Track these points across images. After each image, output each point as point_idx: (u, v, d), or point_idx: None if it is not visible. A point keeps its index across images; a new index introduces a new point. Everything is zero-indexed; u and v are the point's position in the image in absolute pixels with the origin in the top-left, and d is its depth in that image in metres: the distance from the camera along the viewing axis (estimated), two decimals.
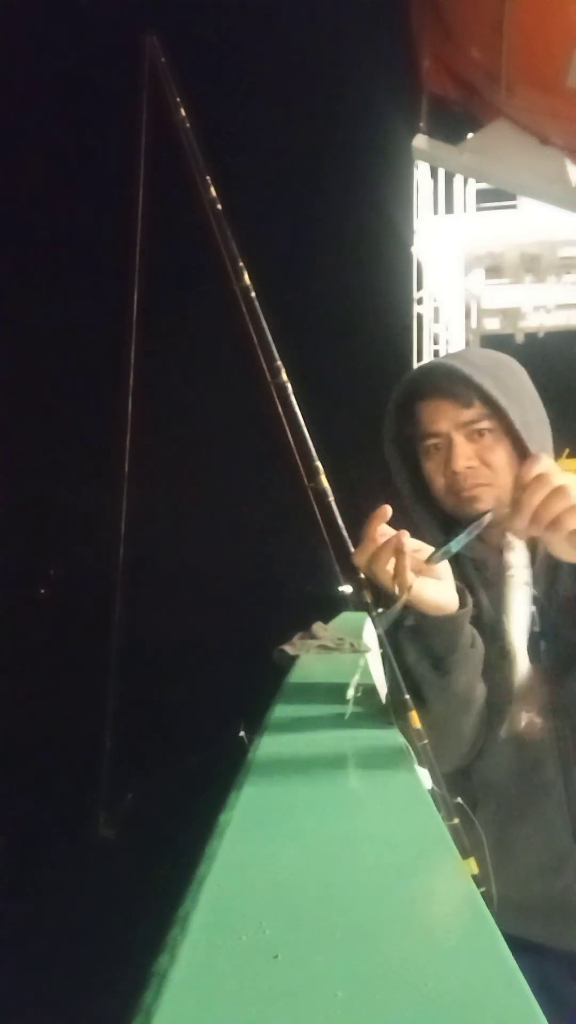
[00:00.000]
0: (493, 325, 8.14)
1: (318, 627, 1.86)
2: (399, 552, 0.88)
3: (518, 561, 0.95)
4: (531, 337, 8.23)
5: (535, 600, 1.05)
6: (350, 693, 1.01)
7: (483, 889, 0.65)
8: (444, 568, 0.94)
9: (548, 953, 1.02)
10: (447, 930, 0.47)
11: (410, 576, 0.88)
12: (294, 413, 1.19)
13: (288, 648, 1.69)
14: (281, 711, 1.06)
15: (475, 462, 1.05)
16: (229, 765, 0.81)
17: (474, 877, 0.69)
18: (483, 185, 6.66)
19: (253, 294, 1.28)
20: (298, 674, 1.44)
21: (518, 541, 0.95)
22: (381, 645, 0.97)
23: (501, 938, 0.46)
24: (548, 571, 1.06)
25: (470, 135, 5.13)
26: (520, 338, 8.20)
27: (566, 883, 1.02)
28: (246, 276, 1.30)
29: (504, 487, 1.05)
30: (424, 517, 1.14)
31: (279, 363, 1.22)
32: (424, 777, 0.81)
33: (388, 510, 0.90)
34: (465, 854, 0.75)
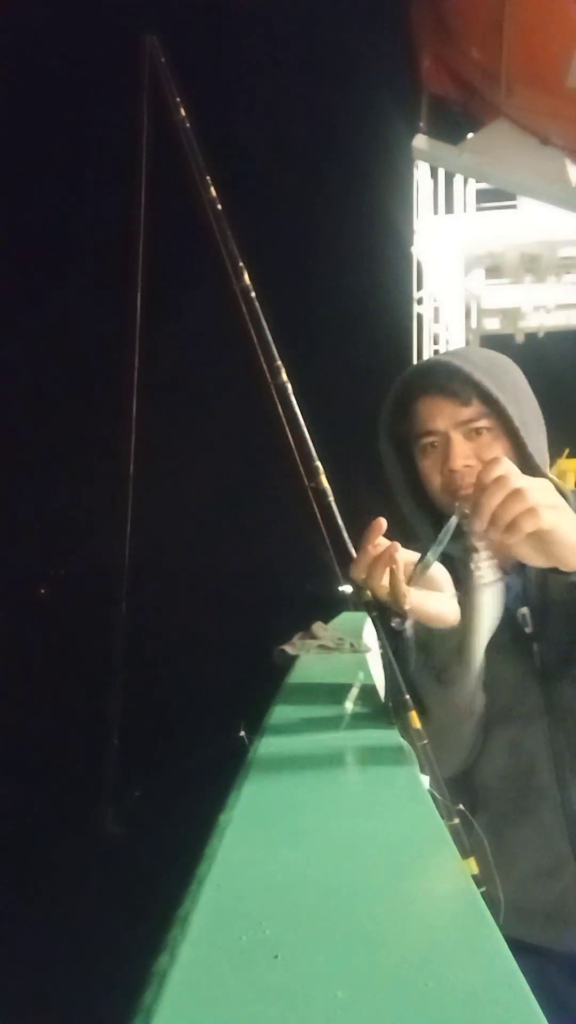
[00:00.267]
0: (493, 325, 8.15)
1: (318, 627, 1.86)
2: (392, 564, 0.87)
3: (483, 562, 0.91)
4: (531, 337, 8.24)
5: (527, 602, 1.05)
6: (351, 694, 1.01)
7: (483, 889, 0.65)
8: (444, 578, 0.93)
9: (548, 956, 1.02)
10: (447, 930, 0.47)
11: (406, 588, 0.87)
12: (294, 413, 1.19)
13: (288, 648, 1.69)
14: (281, 711, 1.06)
15: (472, 461, 1.04)
16: (229, 765, 0.81)
17: (474, 877, 0.70)
18: (483, 185, 6.67)
19: (253, 294, 1.28)
20: (298, 674, 1.44)
21: (482, 543, 0.92)
22: (382, 646, 0.97)
23: (501, 938, 0.46)
24: (539, 573, 1.04)
25: (470, 135, 5.13)
26: (520, 338, 8.21)
27: (564, 886, 1.02)
28: (246, 276, 1.30)
29: None
30: (417, 516, 1.13)
31: (279, 363, 1.22)
32: (424, 779, 0.81)
33: (383, 523, 0.89)
34: (465, 854, 0.75)
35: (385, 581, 0.88)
